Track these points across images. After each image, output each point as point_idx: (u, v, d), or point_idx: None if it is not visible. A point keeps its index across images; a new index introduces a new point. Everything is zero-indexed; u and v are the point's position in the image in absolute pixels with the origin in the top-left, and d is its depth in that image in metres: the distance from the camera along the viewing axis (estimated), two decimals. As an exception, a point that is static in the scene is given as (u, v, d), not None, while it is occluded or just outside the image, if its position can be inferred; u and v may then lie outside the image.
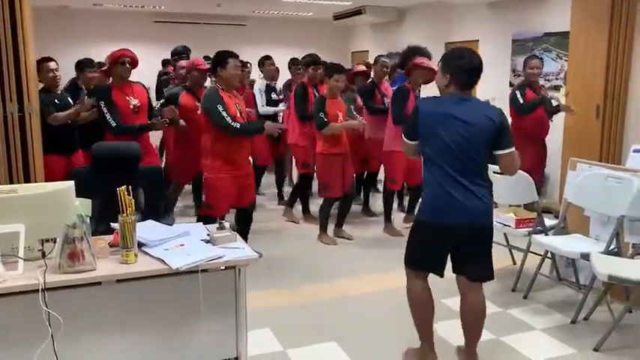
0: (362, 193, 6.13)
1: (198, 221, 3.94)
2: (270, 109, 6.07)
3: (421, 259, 2.82)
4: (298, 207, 5.84)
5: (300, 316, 3.54)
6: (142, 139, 4.30)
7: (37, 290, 2.02)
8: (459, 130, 2.57)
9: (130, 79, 4.48)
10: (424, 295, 2.83)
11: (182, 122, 4.88)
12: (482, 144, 2.60)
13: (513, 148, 2.67)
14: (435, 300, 2.86)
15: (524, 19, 7.29)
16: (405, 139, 2.82)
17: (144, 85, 4.68)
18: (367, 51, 11.57)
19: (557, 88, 6.59)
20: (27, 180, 3.55)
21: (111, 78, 4.51)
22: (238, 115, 4.04)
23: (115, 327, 2.27)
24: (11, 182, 3.47)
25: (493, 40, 7.93)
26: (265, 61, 6.26)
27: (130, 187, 2.31)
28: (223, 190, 4.08)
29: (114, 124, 4.24)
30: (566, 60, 5.59)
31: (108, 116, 4.25)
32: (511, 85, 7.10)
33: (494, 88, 6.90)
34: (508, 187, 4.01)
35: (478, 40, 8.30)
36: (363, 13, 10.01)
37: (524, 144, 4.98)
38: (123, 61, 4.31)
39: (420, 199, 5.79)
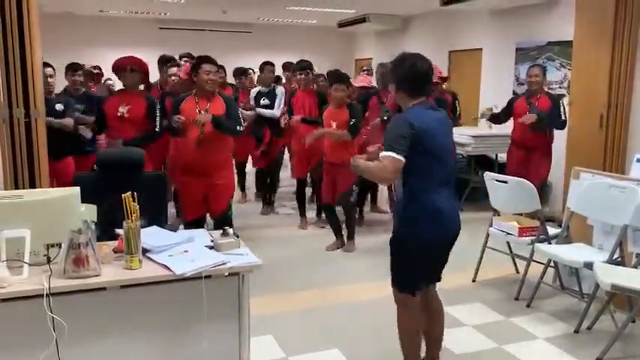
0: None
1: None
2: (248, 113, 5.79)
3: (425, 278, 2.68)
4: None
5: (302, 322, 3.54)
6: None
7: (42, 295, 2.03)
8: (443, 138, 2.56)
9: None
10: (422, 320, 2.71)
11: None
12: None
13: None
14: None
15: (528, 27, 7.31)
16: (398, 156, 2.37)
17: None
18: (371, 58, 11.60)
19: (560, 97, 6.60)
20: (32, 184, 3.57)
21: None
22: None
23: (119, 332, 2.28)
24: (17, 187, 3.49)
25: (497, 48, 7.95)
26: (265, 67, 6.12)
27: (135, 193, 2.32)
28: (185, 196, 4.19)
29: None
30: (569, 69, 5.60)
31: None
32: (514, 93, 7.10)
33: (497, 97, 6.91)
34: (511, 195, 4.02)
35: (482, 49, 8.33)
36: (368, 21, 10.05)
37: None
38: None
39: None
